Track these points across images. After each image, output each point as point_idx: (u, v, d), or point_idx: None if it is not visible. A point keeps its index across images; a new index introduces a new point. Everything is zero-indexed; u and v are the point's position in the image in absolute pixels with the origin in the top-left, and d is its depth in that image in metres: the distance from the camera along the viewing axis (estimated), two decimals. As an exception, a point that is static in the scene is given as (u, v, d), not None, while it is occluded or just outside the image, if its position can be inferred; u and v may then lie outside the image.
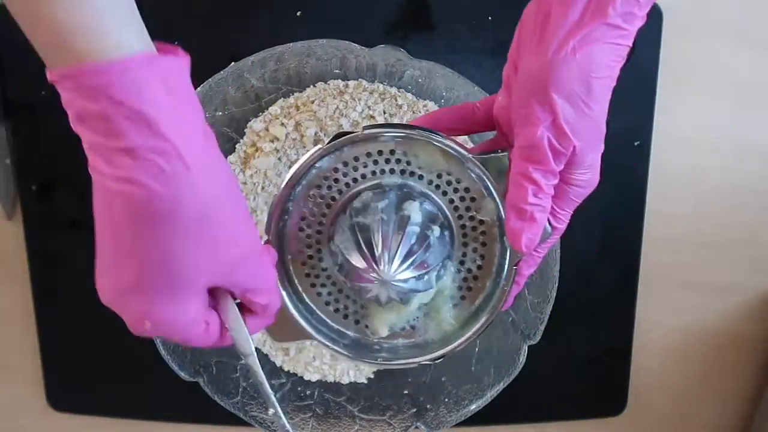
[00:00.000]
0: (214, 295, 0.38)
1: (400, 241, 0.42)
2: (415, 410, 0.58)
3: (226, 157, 0.57)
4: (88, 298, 0.61)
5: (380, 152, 0.44)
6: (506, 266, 0.45)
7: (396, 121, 0.57)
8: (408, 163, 0.44)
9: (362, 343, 0.48)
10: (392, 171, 0.44)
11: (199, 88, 0.54)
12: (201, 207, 0.32)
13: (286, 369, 0.59)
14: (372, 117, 0.56)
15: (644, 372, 0.66)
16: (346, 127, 0.56)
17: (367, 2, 0.59)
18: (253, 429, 0.56)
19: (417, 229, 0.43)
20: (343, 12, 0.59)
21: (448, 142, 0.43)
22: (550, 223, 0.41)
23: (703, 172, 0.63)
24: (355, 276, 0.44)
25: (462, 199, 0.45)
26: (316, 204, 0.45)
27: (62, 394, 0.64)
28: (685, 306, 0.65)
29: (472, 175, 0.44)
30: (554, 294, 0.55)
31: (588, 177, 0.39)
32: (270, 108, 0.57)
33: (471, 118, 0.44)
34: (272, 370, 0.59)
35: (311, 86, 0.57)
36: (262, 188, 0.57)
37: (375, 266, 0.42)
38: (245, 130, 0.57)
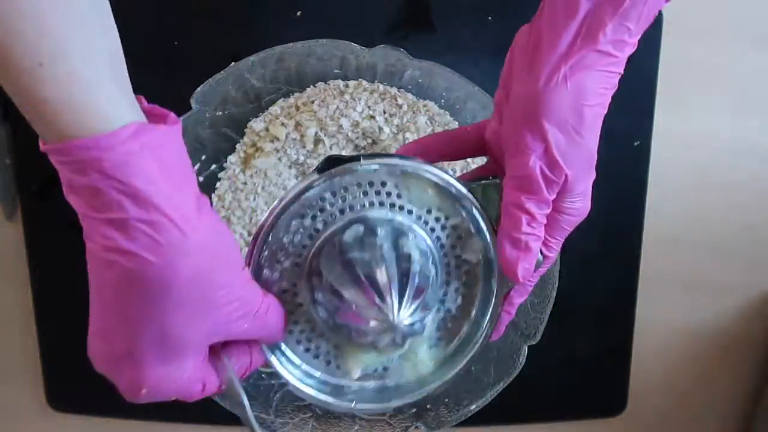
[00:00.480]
0: (212, 348, 0.37)
1: (408, 282, 0.39)
2: (415, 410, 0.58)
3: (225, 158, 0.57)
4: (88, 299, 0.61)
5: (371, 183, 0.41)
6: (493, 301, 0.43)
7: (396, 121, 0.57)
8: (398, 196, 0.41)
9: (330, 384, 0.44)
10: (381, 204, 0.41)
11: (199, 88, 0.54)
12: (196, 274, 0.32)
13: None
14: (372, 117, 0.56)
15: (644, 372, 0.66)
16: (346, 128, 0.56)
17: (367, 2, 0.59)
18: None
19: (419, 267, 0.40)
20: (343, 12, 0.59)
21: (444, 176, 0.41)
22: (541, 252, 0.40)
23: (703, 172, 0.63)
24: (347, 315, 0.40)
25: (449, 237, 0.42)
26: (297, 236, 0.41)
27: (62, 394, 0.64)
28: (685, 306, 0.65)
29: (463, 212, 0.42)
30: (554, 294, 0.55)
31: (579, 205, 0.39)
32: (270, 108, 0.57)
33: (462, 143, 0.43)
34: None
35: (311, 86, 0.57)
36: (262, 188, 0.57)
37: (382, 308, 0.38)
38: (245, 130, 0.57)
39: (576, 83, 0.35)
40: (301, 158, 0.57)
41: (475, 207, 0.41)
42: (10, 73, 0.28)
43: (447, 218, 0.42)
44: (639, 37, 0.36)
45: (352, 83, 0.57)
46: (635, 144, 0.61)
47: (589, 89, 0.35)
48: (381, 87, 0.57)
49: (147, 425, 0.64)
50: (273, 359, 0.42)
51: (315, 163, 0.57)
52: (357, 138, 0.57)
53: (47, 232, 0.61)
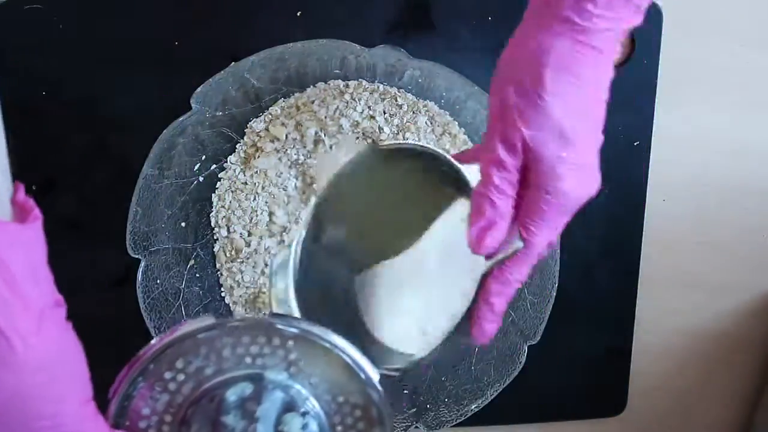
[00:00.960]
0: None
1: None
2: (414, 410, 0.58)
3: (225, 158, 0.57)
4: (88, 299, 0.61)
5: (278, 345, 0.37)
6: None
7: (396, 121, 0.57)
8: (304, 364, 0.37)
9: None
10: (283, 369, 0.37)
11: (199, 88, 0.55)
12: (16, 395, 0.29)
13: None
14: (372, 117, 0.56)
15: (644, 372, 0.66)
16: (346, 128, 0.56)
17: (367, 2, 0.59)
18: None
19: None
20: (343, 12, 0.59)
21: (356, 358, 0.37)
22: (521, 237, 0.38)
23: (703, 172, 0.63)
24: None
25: (350, 425, 0.38)
26: (182, 374, 0.36)
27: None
28: (685, 306, 0.65)
29: (373, 397, 0.37)
30: (554, 294, 0.55)
31: (558, 186, 0.36)
32: (270, 108, 0.57)
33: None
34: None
35: (311, 86, 0.57)
36: (263, 188, 0.57)
37: None
38: (245, 130, 0.57)
39: (535, 45, 0.35)
40: (301, 158, 0.57)
41: (381, 397, 0.37)
42: None
43: (354, 405, 0.38)
44: (613, 13, 0.34)
45: (352, 83, 0.57)
46: (635, 144, 0.61)
47: (547, 51, 0.35)
48: (381, 87, 0.57)
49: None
50: None
51: (315, 163, 0.57)
52: (357, 138, 0.57)
53: (47, 232, 0.61)
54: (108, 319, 0.57)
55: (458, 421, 0.57)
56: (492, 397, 0.55)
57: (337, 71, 0.57)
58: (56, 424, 0.30)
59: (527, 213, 0.37)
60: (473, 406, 0.57)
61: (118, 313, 0.56)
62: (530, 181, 0.37)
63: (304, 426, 0.37)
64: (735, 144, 0.63)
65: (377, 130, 0.56)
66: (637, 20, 0.36)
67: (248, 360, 0.36)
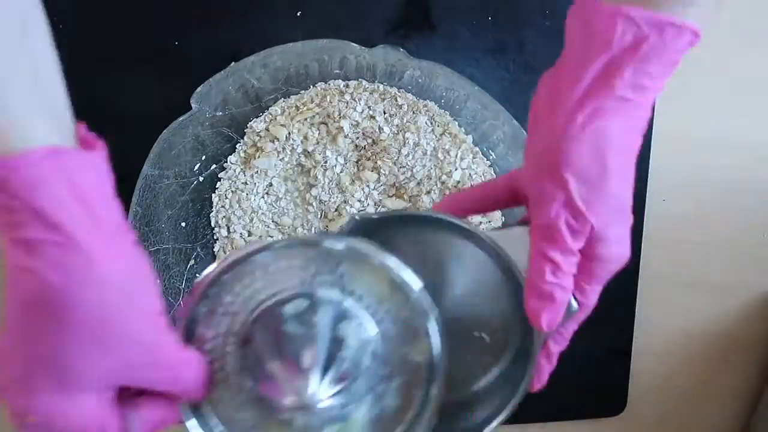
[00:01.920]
0: (124, 394, 0.35)
1: (332, 366, 0.38)
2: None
3: (225, 158, 0.57)
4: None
5: (327, 262, 0.39)
6: (429, 411, 0.41)
7: (396, 121, 0.57)
8: (352, 281, 0.40)
9: None
10: (333, 285, 0.40)
11: (199, 88, 0.55)
12: (98, 306, 0.30)
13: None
14: (372, 117, 0.56)
15: (644, 372, 0.66)
16: (347, 128, 0.56)
17: (367, 2, 0.59)
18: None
19: (350, 354, 0.39)
20: (343, 12, 0.59)
21: (402, 274, 0.39)
22: (577, 300, 0.39)
23: (703, 172, 0.63)
24: (268, 386, 0.39)
25: (398, 333, 0.40)
26: (240, 298, 0.39)
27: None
28: (685, 306, 0.65)
29: (417, 310, 0.40)
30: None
31: (615, 252, 0.38)
32: (270, 108, 0.57)
33: (494, 196, 0.42)
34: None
35: (311, 86, 0.57)
36: (263, 188, 0.57)
37: (300, 386, 0.38)
38: (245, 130, 0.57)
39: (595, 131, 0.34)
40: (302, 158, 0.57)
41: (430, 309, 0.39)
42: None
43: (398, 314, 0.40)
44: (664, 81, 0.35)
45: (352, 83, 0.57)
46: (635, 144, 0.61)
47: (609, 136, 0.34)
48: (381, 87, 0.57)
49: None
50: (192, 422, 0.39)
51: (315, 163, 0.57)
52: (357, 138, 0.57)
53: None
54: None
55: (458, 421, 0.57)
56: (492, 397, 0.55)
57: (337, 71, 0.57)
58: (133, 335, 0.32)
59: (585, 279, 0.39)
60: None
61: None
62: (585, 251, 0.38)
63: (359, 333, 0.39)
64: (735, 144, 0.63)
65: (377, 130, 0.56)
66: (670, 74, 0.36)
67: (301, 279, 0.39)
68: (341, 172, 0.57)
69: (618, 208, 0.37)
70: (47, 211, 0.29)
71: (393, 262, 0.39)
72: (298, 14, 0.58)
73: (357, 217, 0.41)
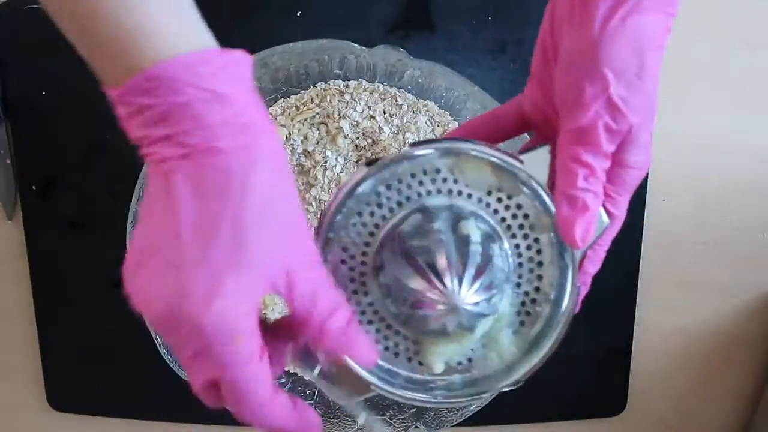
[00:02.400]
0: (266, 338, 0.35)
1: (467, 262, 0.39)
2: (414, 410, 0.58)
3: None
4: (88, 298, 0.61)
5: (425, 171, 0.40)
6: (570, 276, 0.41)
7: (396, 121, 0.57)
8: (455, 181, 0.41)
9: (416, 381, 0.43)
10: (439, 191, 0.41)
11: (199, 88, 0.54)
12: (276, 178, 0.33)
13: (286, 369, 0.59)
14: (372, 117, 0.57)
15: (644, 372, 0.66)
16: (346, 129, 0.56)
17: (367, 2, 0.59)
18: (252, 429, 0.56)
19: (479, 248, 0.39)
20: (343, 12, 0.59)
21: (498, 154, 0.39)
22: (607, 212, 0.39)
23: (703, 172, 0.63)
24: (415, 304, 0.40)
25: (514, 216, 0.41)
26: (358, 233, 0.41)
27: (62, 394, 0.64)
28: (685, 306, 0.65)
29: (525, 189, 0.40)
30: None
31: (642, 158, 0.37)
32: (270, 108, 0.57)
33: (505, 121, 0.42)
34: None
35: (311, 86, 0.57)
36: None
37: (443, 290, 0.38)
38: (245, 130, 0.57)
39: (634, 26, 0.34)
40: (302, 158, 0.57)
41: (535, 181, 0.40)
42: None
43: (510, 197, 0.41)
44: None
45: (352, 83, 0.57)
46: (635, 144, 0.61)
47: (648, 32, 0.34)
48: (381, 87, 0.57)
49: (147, 425, 0.64)
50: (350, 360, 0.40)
51: (315, 163, 0.57)
52: (357, 138, 0.57)
53: (47, 232, 0.61)
54: (112, 316, 0.57)
55: (458, 421, 0.57)
56: (492, 397, 0.55)
57: (337, 71, 0.57)
58: (303, 222, 0.35)
59: (614, 189, 0.38)
60: (473, 407, 0.57)
61: (118, 313, 0.56)
62: (616, 158, 0.37)
63: (479, 226, 0.40)
64: (735, 144, 0.63)
65: (377, 130, 0.56)
66: None
67: (409, 195, 0.41)
68: (341, 172, 0.57)
69: (651, 109, 0.36)
70: (230, 95, 0.32)
71: (487, 148, 0.39)
72: (298, 14, 0.58)
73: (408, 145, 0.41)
